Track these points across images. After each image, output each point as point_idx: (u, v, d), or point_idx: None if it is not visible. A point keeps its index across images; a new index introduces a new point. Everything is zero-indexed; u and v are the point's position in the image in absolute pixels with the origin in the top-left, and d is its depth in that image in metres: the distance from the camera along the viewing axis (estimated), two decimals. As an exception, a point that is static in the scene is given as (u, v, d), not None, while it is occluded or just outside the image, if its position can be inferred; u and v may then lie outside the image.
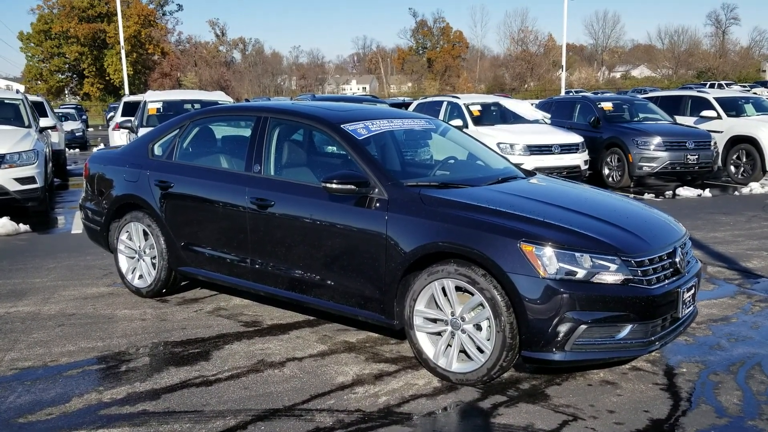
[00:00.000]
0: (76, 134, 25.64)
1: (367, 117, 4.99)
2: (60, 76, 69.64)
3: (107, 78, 66.93)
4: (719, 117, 13.98)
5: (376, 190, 4.36)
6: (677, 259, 4.13)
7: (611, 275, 3.80)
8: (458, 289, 4.03)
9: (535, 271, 3.76)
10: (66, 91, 72.62)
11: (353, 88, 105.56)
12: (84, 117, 38.83)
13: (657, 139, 12.54)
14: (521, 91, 77.89)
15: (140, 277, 5.80)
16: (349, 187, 4.33)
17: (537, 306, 3.76)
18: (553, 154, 11.89)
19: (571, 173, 12.14)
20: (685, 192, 12.14)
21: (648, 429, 3.53)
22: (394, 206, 4.28)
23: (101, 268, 6.81)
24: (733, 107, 14.50)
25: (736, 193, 12.45)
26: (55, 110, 27.54)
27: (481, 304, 3.92)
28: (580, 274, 3.77)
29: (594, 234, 3.93)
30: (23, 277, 6.56)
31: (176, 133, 5.64)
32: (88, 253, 7.39)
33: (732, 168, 13.65)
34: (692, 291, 4.24)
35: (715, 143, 13.05)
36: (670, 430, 3.52)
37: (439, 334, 4.15)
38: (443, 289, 4.06)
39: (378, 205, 4.32)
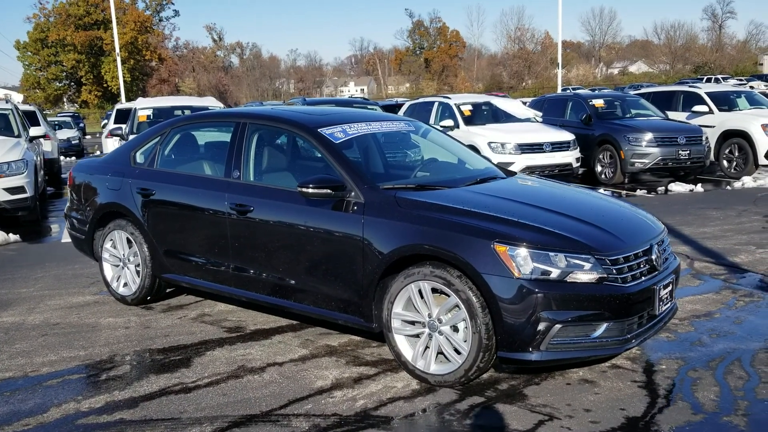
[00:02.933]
0: (72, 142, 25.68)
1: (344, 120, 5.00)
2: (58, 84, 69.75)
3: (105, 85, 67.02)
4: (711, 112, 13.99)
5: (353, 193, 4.37)
6: (653, 257, 4.13)
7: (585, 274, 3.80)
8: (435, 291, 4.03)
9: (508, 271, 3.77)
10: (64, 99, 72.72)
11: (351, 90, 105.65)
12: (81, 125, 38.93)
13: (648, 135, 12.54)
14: (519, 89, 77.95)
15: (125, 285, 5.81)
16: (325, 191, 4.34)
17: (512, 306, 3.76)
18: (544, 152, 11.89)
19: (562, 171, 12.15)
20: (677, 187, 12.13)
21: (623, 427, 3.53)
22: (370, 209, 4.28)
23: (88, 277, 6.82)
24: (725, 102, 14.49)
25: (728, 187, 12.44)
26: (52, 118, 27.62)
27: (457, 306, 3.93)
28: (554, 273, 3.77)
29: (568, 233, 3.93)
30: (10, 288, 6.57)
31: (157, 141, 5.65)
32: (76, 262, 7.40)
33: (725, 162, 13.65)
34: (669, 288, 4.24)
35: (707, 138, 13.04)
36: (645, 427, 3.52)
37: (417, 336, 4.16)
38: (420, 292, 4.07)
39: (355, 208, 4.33)
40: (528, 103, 16.24)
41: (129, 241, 5.68)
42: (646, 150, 12.50)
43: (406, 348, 4.19)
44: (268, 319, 5.36)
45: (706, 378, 4.11)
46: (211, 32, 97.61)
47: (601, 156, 13.20)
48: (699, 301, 5.65)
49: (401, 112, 14.76)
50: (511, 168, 11.56)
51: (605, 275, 3.82)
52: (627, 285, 3.88)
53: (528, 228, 3.94)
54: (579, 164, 12.45)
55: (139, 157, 5.73)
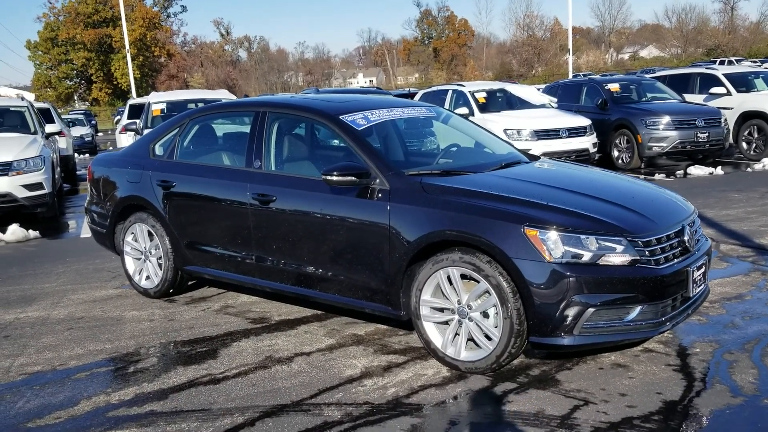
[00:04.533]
0: (86, 139, 25.76)
1: (366, 107, 4.94)
2: (68, 82, 69.99)
3: (115, 82, 67.18)
4: (729, 93, 13.81)
5: (378, 180, 4.31)
6: (686, 238, 4.05)
7: (618, 257, 3.73)
8: (464, 277, 3.98)
9: (540, 255, 3.70)
10: (75, 97, 72.99)
11: (360, 82, 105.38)
12: (93, 122, 39.03)
13: (666, 119, 12.40)
14: (529, 76, 77.43)
15: (147, 278, 5.78)
16: (349, 178, 4.28)
17: (543, 291, 3.70)
18: (560, 138, 11.79)
19: (579, 157, 12.03)
20: (697, 171, 12.00)
21: (661, 411, 3.47)
22: (396, 196, 4.23)
23: (109, 271, 6.81)
24: (743, 83, 14.30)
25: (749, 169, 12.29)
26: (65, 116, 27.68)
27: (487, 292, 3.87)
28: (586, 256, 3.71)
29: (599, 215, 3.87)
30: (32, 283, 6.57)
31: (176, 132, 5.62)
32: (96, 257, 7.39)
33: (744, 144, 13.47)
34: (702, 269, 4.16)
35: (726, 120, 12.88)
36: (684, 411, 3.46)
37: (446, 323, 4.11)
38: (449, 278, 4.02)
39: (380, 195, 4.27)
40: (542, 90, 16.12)
41: (150, 234, 5.66)
42: (663, 133, 12.36)
43: (435, 335, 4.14)
44: (291, 310, 5.33)
45: (742, 360, 4.03)
46: (219, 27, 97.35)
47: (617, 141, 13.07)
48: (728, 283, 5.56)
49: (416, 100, 14.67)
50: (527, 154, 11.52)
51: (638, 257, 3.75)
52: (660, 267, 3.81)
53: (558, 211, 3.87)
54: (596, 149, 12.33)
55: (159, 150, 5.70)
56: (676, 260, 3.95)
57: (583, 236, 3.74)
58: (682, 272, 3.92)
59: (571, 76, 41.56)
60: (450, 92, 13.61)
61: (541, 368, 4.06)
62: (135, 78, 64.61)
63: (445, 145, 5.30)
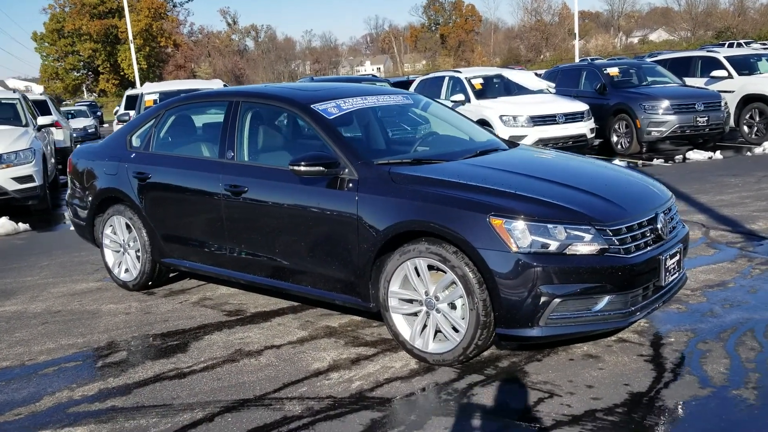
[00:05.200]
0: (89, 131, 25.82)
1: (339, 96, 4.86)
2: (75, 73, 70.13)
3: (122, 73, 67.21)
4: (730, 76, 13.61)
5: (347, 170, 4.24)
6: (659, 226, 3.96)
7: (586, 246, 3.65)
8: (431, 267, 3.91)
9: (505, 245, 3.63)
10: (84, 89, 73.15)
11: (368, 69, 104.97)
12: (99, 113, 39.10)
13: (665, 103, 12.24)
14: (537, 62, 76.86)
15: (126, 270, 5.75)
16: (317, 168, 4.21)
17: (509, 281, 3.63)
18: (557, 123, 11.66)
19: (576, 142, 11.93)
20: (696, 155, 11.85)
21: (626, 403, 3.40)
22: (364, 186, 4.16)
23: (93, 264, 6.78)
24: (745, 66, 14.10)
25: (748, 153, 12.12)
26: (70, 108, 27.72)
27: (454, 282, 3.80)
28: (553, 246, 3.63)
29: (567, 204, 3.78)
30: (15, 277, 6.56)
31: (152, 123, 5.56)
32: (83, 249, 7.36)
33: (745, 128, 13.29)
34: (677, 257, 4.07)
35: (726, 103, 12.70)
36: (649, 403, 3.39)
37: (414, 314, 4.04)
38: (416, 269, 3.95)
39: (350, 185, 4.20)
40: (542, 75, 15.97)
41: (128, 227, 5.61)
42: (662, 118, 12.21)
43: (403, 327, 4.08)
44: (269, 302, 5.28)
45: (716, 350, 3.95)
46: (226, 16, 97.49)
47: (616, 126, 12.93)
48: (713, 270, 5.46)
49: (412, 88, 14.56)
50: (524, 141, 11.43)
51: (606, 246, 3.67)
52: (630, 256, 3.73)
53: (525, 200, 3.79)
54: (593, 135, 12.20)
55: (135, 141, 5.65)
56: (648, 248, 3.86)
57: (549, 225, 3.66)
58: (653, 260, 3.84)
59: (577, 60, 41.25)
60: (446, 79, 13.50)
61: (510, 360, 3.99)
62: (142, 69, 64.82)
63: (423, 133, 5.22)
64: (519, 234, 3.63)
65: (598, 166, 4.65)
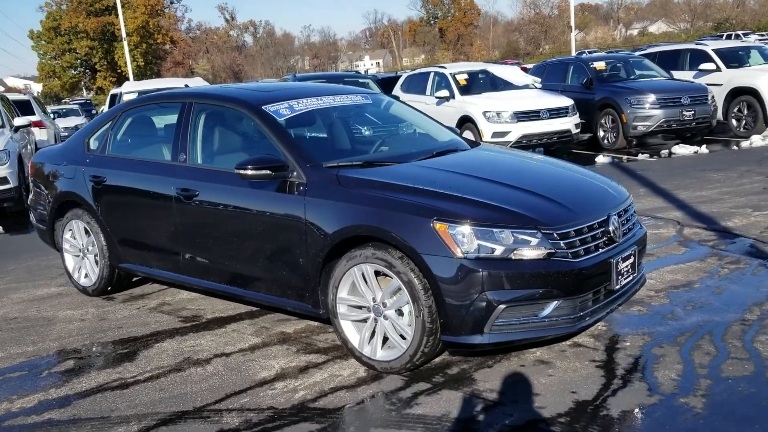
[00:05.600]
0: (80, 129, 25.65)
1: (294, 96, 4.75)
2: (73, 71, 69.88)
3: (119, 71, 66.94)
4: (718, 69, 13.45)
5: (295, 173, 4.14)
6: (611, 228, 3.85)
7: (532, 250, 3.55)
8: (379, 273, 3.81)
9: (449, 250, 3.53)
10: (82, 86, 72.98)
11: (366, 64, 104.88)
12: (93, 111, 38.95)
13: (651, 97, 12.10)
14: (536, 55, 76.54)
15: (86, 275, 5.66)
16: (264, 172, 4.11)
17: (453, 287, 3.53)
18: (541, 119, 11.51)
19: (561, 138, 11.82)
20: (681, 150, 11.72)
21: (570, 412, 3.30)
22: (312, 190, 4.06)
23: (59, 268, 6.66)
24: (734, 58, 13.92)
25: (735, 147, 11.99)
26: (62, 106, 27.59)
27: (400, 289, 3.71)
28: (498, 251, 3.53)
29: (513, 207, 3.68)
30: (-22, 282, 6.48)
31: (109, 126, 5.47)
32: (51, 252, 7.23)
33: (733, 122, 13.14)
34: (631, 260, 3.96)
35: (713, 97, 12.55)
36: (593, 412, 3.29)
37: (363, 321, 3.95)
38: (363, 275, 3.85)
39: (301, 189, 4.10)
40: (530, 69, 15.85)
41: (87, 231, 5.52)
42: (648, 112, 12.07)
43: (353, 334, 3.99)
44: (227, 307, 5.19)
45: (670, 355, 3.85)
46: (224, 12, 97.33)
47: (603, 121, 12.80)
48: (681, 270, 5.36)
49: (398, 84, 14.45)
50: (507, 137, 11.32)
51: (553, 250, 3.57)
52: (578, 260, 3.63)
53: (471, 203, 3.69)
54: (579, 130, 12.07)
55: (93, 144, 5.55)
56: (598, 251, 3.76)
57: (495, 229, 3.56)
58: (603, 264, 3.74)
59: (574, 53, 41.09)
60: (432, 75, 13.36)
61: (461, 367, 3.90)
62: (139, 66, 64.62)
63: (382, 134, 5.12)
64: (463, 239, 3.53)
65: (555, 168, 4.54)
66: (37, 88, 77.96)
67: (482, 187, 3.94)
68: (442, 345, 3.74)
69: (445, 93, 12.46)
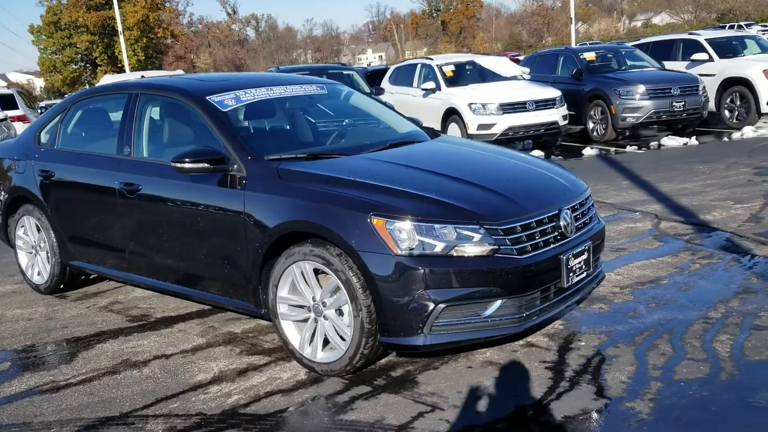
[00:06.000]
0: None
1: (241, 86, 4.55)
2: (74, 66, 69.77)
3: (119, 65, 66.83)
4: (711, 59, 13.19)
5: (235, 166, 3.95)
6: (562, 223, 3.66)
7: (474, 246, 3.36)
8: (318, 271, 3.64)
9: (386, 247, 3.34)
10: (84, 81, 72.87)
11: (369, 58, 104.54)
12: (91, 106, 38.82)
13: (640, 88, 11.86)
14: (538, 47, 76.15)
15: (39, 273, 5.50)
16: (202, 165, 3.92)
17: (391, 286, 3.35)
18: (527, 111, 11.28)
19: (549, 130, 11.60)
20: (671, 141, 11.50)
21: (510, 418, 3.12)
22: (251, 183, 3.87)
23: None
24: (728, 49, 13.65)
25: (725, 139, 11.75)
26: (55, 101, 27.41)
27: (339, 288, 3.53)
28: (438, 247, 3.34)
29: (456, 202, 3.48)
30: (-65, 280, 6.32)
31: (59, 119, 5.29)
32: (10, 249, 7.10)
33: (726, 112, 12.88)
34: (584, 256, 3.77)
35: (704, 87, 12.30)
36: (533, 418, 3.11)
37: (304, 321, 3.77)
38: (302, 273, 3.68)
39: (244, 182, 3.91)
40: (521, 61, 15.62)
41: (38, 228, 5.35)
42: (637, 103, 11.84)
43: (293, 335, 3.81)
44: (180, 305, 5.01)
45: (625, 356, 3.67)
46: (225, 6, 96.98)
47: (592, 112, 12.57)
48: (650, 265, 5.17)
49: (386, 77, 14.24)
50: (493, 129, 11.12)
51: (496, 247, 3.38)
52: (524, 256, 3.44)
53: (412, 197, 3.50)
54: (566, 122, 11.83)
55: (44, 137, 5.38)
56: (548, 247, 3.57)
57: (435, 225, 3.37)
58: (552, 261, 3.55)
59: (574, 44, 40.78)
60: (419, 66, 13.15)
61: (406, 368, 3.72)
62: (140, 60, 64.43)
63: (334, 125, 4.93)
64: (401, 235, 3.35)
65: (510, 160, 4.32)
66: (39, 83, 77.99)
67: (427, 180, 3.75)
68: (380, 347, 3.56)
69: (431, 85, 12.25)
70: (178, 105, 4.54)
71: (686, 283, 4.74)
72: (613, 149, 11.54)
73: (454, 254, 3.35)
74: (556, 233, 3.64)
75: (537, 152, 11.08)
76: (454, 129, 11.64)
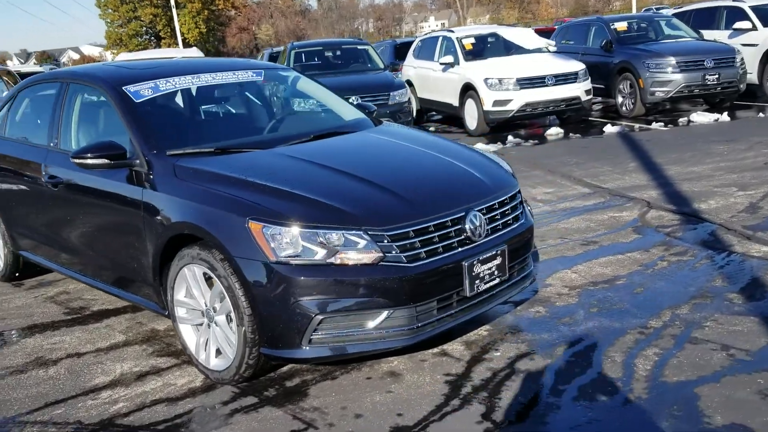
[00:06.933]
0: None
1: (164, 74, 4.35)
2: (138, 39, 71.16)
3: (182, 38, 67.83)
4: (755, 28, 12.31)
5: (138, 161, 3.79)
6: (467, 226, 3.37)
7: (358, 254, 3.12)
8: (209, 276, 3.46)
9: (263, 253, 3.14)
10: (149, 53, 74.34)
11: (432, 25, 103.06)
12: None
13: (670, 60, 11.16)
14: (605, 11, 73.46)
15: (-4, 262, 5.51)
16: (102, 161, 3.77)
17: (267, 296, 3.15)
18: (546, 86, 10.77)
19: (570, 106, 11.08)
20: (700, 118, 10.82)
21: (379, 442, 2.90)
22: (154, 180, 3.71)
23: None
24: (776, 16, 12.72)
25: (761, 114, 10.97)
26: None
27: (223, 294, 3.35)
28: (319, 254, 3.12)
29: (342, 205, 3.23)
30: None
31: (8, 106, 5.24)
32: None
33: (768, 85, 12.05)
34: (496, 261, 3.47)
35: (742, 59, 11.49)
36: (403, 442, 2.88)
37: (201, 326, 3.61)
38: (194, 277, 3.51)
39: (144, 179, 3.75)
40: (555, 31, 14.99)
41: (-8, 216, 5.35)
42: (667, 77, 11.15)
43: (191, 339, 3.67)
44: (119, 299, 4.92)
45: (534, 371, 3.38)
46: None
47: (621, 86, 11.93)
48: (615, 262, 4.80)
49: (410, 51, 13.86)
50: (509, 105, 10.67)
51: (381, 254, 3.13)
52: (414, 264, 3.17)
53: (296, 200, 3.27)
54: (590, 97, 11.26)
55: (-4, 125, 5.34)
56: (447, 254, 3.29)
57: (317, 230, 3.14)
58: (452, 268, 3.27)
59: (634, 11, 39.21)
60: (440, 39, 12.70)
61: (303, 378, 3.53)
62: (201, 32, 65.20)
63: (263, 114, 4.71)
64: (278, 240, 3.13)
65: (435, 154, 3.96)
66: (108, 56, 79.92)
67: (324, 179, 3.50)
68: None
69: (450, 59, 11.84)
70: (98, 94, 4.40)
71: (642, 284, 4.37)
72: (637, 126, 10.94)
73: (337, 262, 3.11)
74: (462, 237, 3.36)
75: (511, 138, 10.50)
76: (471, 106, 11.23)
